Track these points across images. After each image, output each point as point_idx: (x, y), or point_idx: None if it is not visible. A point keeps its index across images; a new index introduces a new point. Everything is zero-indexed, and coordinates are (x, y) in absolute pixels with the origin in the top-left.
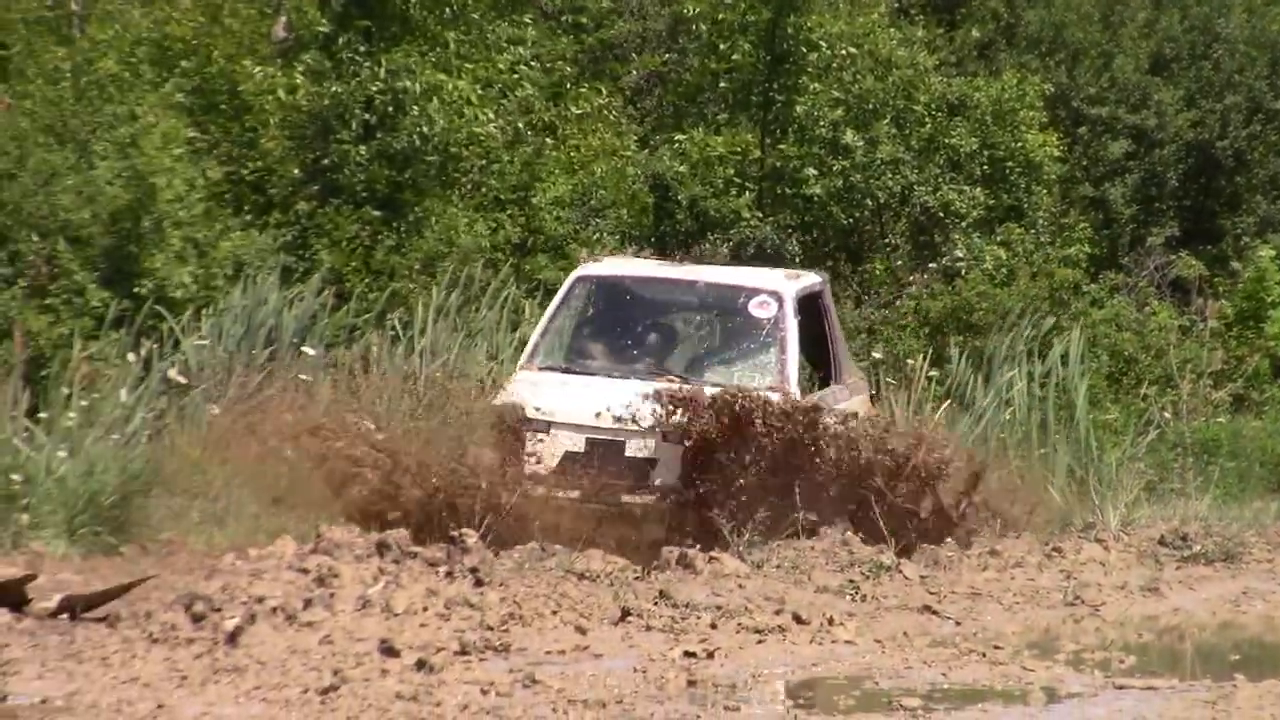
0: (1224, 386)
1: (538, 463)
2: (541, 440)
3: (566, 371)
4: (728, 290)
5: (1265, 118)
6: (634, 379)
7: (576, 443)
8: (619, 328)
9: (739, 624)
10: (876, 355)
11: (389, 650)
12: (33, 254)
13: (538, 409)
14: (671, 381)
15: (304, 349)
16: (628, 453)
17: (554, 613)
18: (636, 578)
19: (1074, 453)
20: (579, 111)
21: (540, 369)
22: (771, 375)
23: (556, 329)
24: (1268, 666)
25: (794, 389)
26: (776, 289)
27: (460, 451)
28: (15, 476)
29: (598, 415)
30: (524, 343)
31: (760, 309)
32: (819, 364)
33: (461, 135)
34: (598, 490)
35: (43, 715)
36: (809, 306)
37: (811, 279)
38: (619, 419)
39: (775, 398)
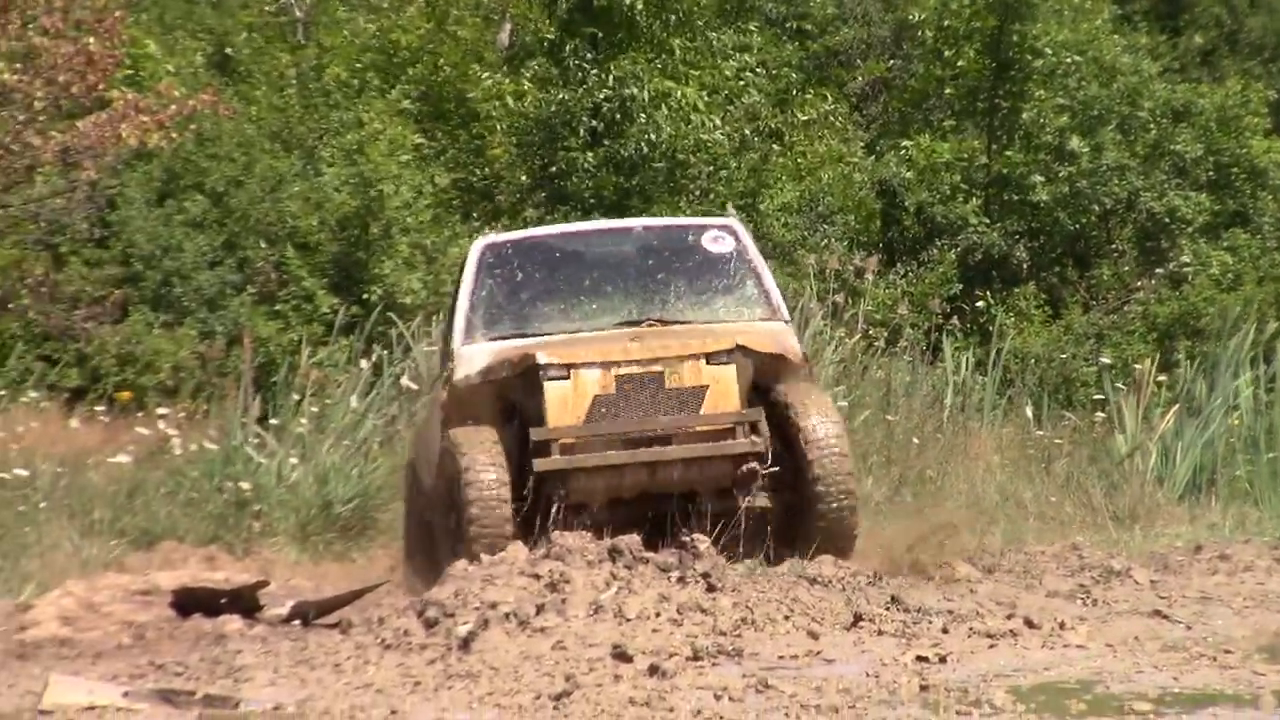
0: None
1: (563, 412)
2: (562, 386)
3: (522, 336)
4: (673, 231)
5: None
6: (610, 329)
7: (606, 383)
8: (562, 287)
9: (970, 628)
10: (1105, 360)
11: (621, 655)
12: (261, 260)
13: (547, 352)
14: (654, 326)
15: None
16: (668, 384)
17: (786, 618)
18: (869, 583)
19: None
20: (805, 118)
21: (490, 339)
22: (761, 307)
23: (484, 301)
24: None
25: (787, 316)
26: (726, 223)
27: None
28: (245, 485)
29: (627, 347)
30: None
31: (716, 244)
32: None
33: (689, 142)
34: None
35: None
36: None
37: None
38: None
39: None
